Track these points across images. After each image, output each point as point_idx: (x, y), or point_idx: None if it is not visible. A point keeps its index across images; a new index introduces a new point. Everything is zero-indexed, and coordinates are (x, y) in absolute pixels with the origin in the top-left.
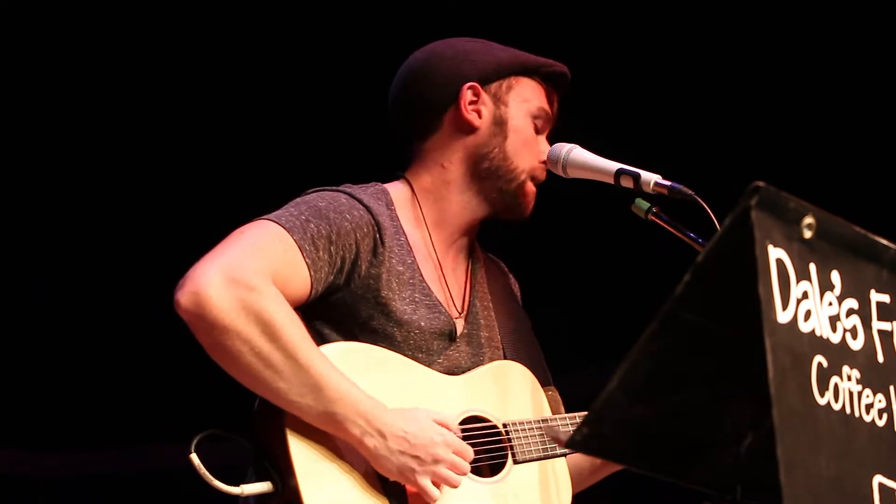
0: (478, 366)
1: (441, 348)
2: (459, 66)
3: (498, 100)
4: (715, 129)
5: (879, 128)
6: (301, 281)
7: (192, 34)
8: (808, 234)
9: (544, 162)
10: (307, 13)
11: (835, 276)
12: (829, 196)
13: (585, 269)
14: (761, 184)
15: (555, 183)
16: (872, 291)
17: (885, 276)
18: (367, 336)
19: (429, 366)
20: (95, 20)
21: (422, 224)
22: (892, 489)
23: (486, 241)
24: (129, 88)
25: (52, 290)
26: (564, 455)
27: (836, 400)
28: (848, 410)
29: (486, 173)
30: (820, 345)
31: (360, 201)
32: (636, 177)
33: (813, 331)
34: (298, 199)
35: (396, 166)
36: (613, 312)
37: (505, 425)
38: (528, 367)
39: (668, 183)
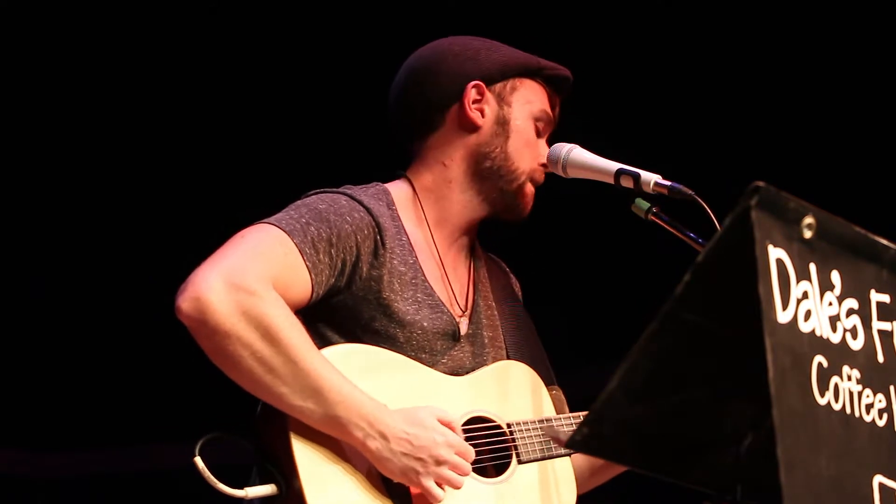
0: (481, 366)
1: (444, 348)
2: (464, 64)
3: (501, 100)
4: (715, 129)
5: (879, 128)
6: (302, 284)
7: (192, 35)
8: (808, 234)
9: (544, 164)
10: (307, 14)
11: (835, 276)
12: (829, 196)
13: (585, 269)
14: (761, 184)
15: (555, 183)
16: (872, 291)
17: (885, 276)
18: (370, 338)
19: (432, 366)
20: (95, 20)
21: (423, 223)
22: (892, 489)
23: (487, 241)
24: (130, 89)
25: (52, 290)
26: (568, 455)
27: (837, 400)
28: (848, 410)
29: (488, 173)
30: (820, 345)
31: (360, 203)
32: (636, 177)
33: (813, 331)
34: (299, 202)
35: (397, 166)
36: (613, 312)
37: (509, 425)
38: (531, 367)
39: (668, 183)
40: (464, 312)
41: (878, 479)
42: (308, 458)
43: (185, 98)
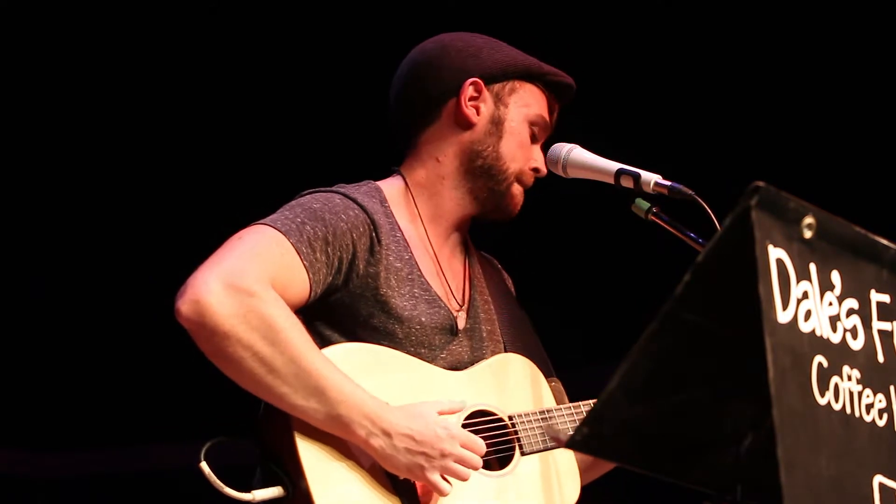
0: (480, 360)
1: (443, 343)
2: (466, 60)
3: (499, 100)
4: (715, 129)
5: (879, 128)
6: (300, 284)
7: (192, 37)
8: (808, 234)
9: (535, 169)
10: (306, 15)
11: (835, 276)
12: (829, 196)
13: (585, 270)
14: (761, 184)
15: (555, 183)
16: (872, 291)
17: (885, 276)
18: (368, 335)
19: (431, 361)
20: (95, 20)
21: (417, 219)
22: (892, 489)
23: (487, 241)
24: (129, 90)
25: (52, 290)
26: None
27: (837, 400)
28: (848, 410)
29: (479, 171)
30: (820, 345)
31: (354, 201)
32: (636, 177)
33: (813, 331)
34: (293, 202)
35: (391, 163)
36: (613, 312)
37: (511, 417)
38: (529, 360)
39: (668, 183)
40: (461, 307)
41: (878, 479)
42: (313, 458)
43: (184, 99)
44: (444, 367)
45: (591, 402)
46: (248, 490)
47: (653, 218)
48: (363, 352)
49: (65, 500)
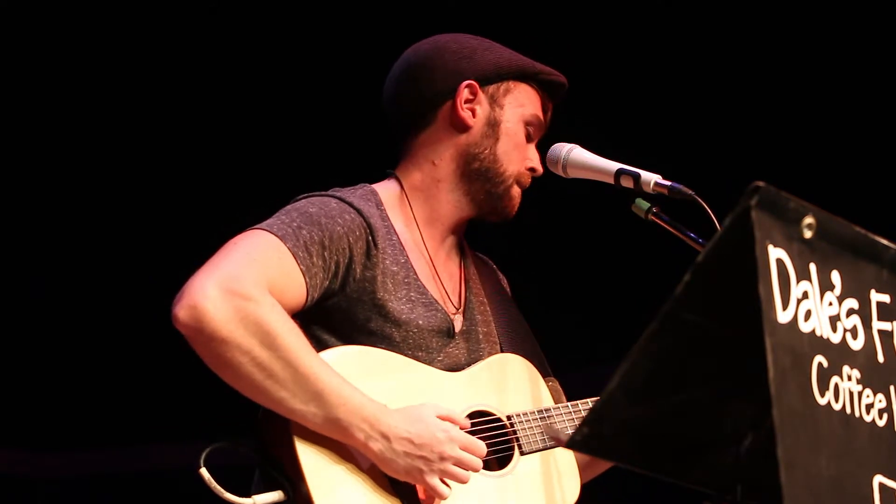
0: (477, 361)
1: (440, 346)
2: (460, 62)
3: (494, 101)
4: (715, 129)
5: (879, 128)
6: (297, 288)
7: (190, 38)
8: (808, 234)
9: (531, 169)
10: (304, 16)
11: (835, 276)
12: (829, 196)
13: (585, 270)
14: (761, 184)
15: (555, 183)
16: (872, 291)
17: (885, 276)
18: (366, 338)
19: (429, 364)
20: (95, 20)
21: (412, 222)
22: (892, 489)
23: (487, 241)
24: (129, 92)
25: (52, 290)
26: None
27: (837, 400)
28: (848, 410)
29: (476, 174)
30: (820, 345)
31: (350, 204)
32: (636, 177)
33: (813, 331)
34: (289, 206)
35: (387, 167)
36: (614, 312)
37: (509, 417)
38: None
39: (668, 183)
40: (457, 309)
41: (878, 479)
42: (313, 462)
43: (183, 101)
44: (442, 370)
45: (589, 401)
46: (247, 494)
47: (653, 218)
48: (360, 355)
49: (65, 500)
